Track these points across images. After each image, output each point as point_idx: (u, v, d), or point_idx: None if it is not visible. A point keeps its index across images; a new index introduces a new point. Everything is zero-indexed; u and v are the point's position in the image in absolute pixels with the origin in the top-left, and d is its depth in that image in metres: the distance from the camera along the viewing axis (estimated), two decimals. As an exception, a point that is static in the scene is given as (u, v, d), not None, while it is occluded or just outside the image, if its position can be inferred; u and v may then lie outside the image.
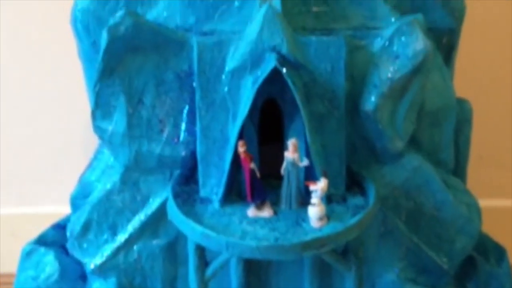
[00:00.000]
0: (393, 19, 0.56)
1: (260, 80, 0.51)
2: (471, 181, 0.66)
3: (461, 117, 0.60)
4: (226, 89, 0.53)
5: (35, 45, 0.78)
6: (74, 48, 0.62)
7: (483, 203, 0.63)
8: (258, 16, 0.52)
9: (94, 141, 0.62)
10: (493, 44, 0.77)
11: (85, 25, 0.59)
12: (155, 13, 0.57)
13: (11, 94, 0.79)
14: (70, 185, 0.64)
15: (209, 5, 0.56)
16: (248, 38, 0.52)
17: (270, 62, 0.51)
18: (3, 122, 0.80)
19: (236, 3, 0.56)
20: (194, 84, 0.54)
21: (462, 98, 0.61)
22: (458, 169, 0.62)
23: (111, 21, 0.53)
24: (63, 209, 0.66)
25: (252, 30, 0.52)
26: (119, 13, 0.53)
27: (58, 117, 0.79)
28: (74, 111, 0.77)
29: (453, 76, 0.62)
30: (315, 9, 0.57)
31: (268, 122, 0.55)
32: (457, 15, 0.61)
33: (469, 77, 0.67)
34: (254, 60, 0.52)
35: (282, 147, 0.54)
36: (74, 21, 0.60)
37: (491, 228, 0.66)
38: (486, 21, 0.75)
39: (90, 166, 0.62)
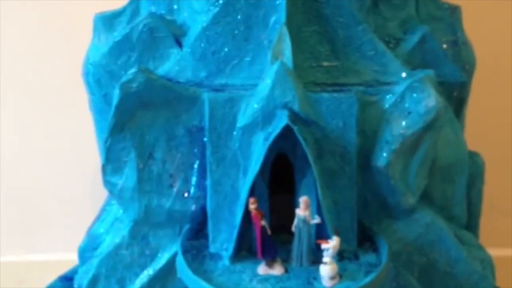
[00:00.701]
0: (404, 74, 0.55)
1: (271, 138, 0.50)
2: (481, 230, 0.65)
3: (473, 171, 0.59)
4: (237, 145, 0.52)
5: (49, 96, 0.77)
6: (85, 101, 0.61)
7: (493, 252, 0.62)
8: (270, 72, 0.52)
9: (102, 190, 0.60)
10: (501, 94, 0.78)
11: (96, 78, 0.59)
12: (167, 67, 0.56)
13: (22, 142, 0.79)
14: (78, 233, 0.63)
15: (220, 59, 0.56)
16: (260, 94, 0.52)
17: (282, 120, 0.50)
18: (13, 169, 0.79)
19: (247, 58, 0.56)
20: (205, 139, 0.54)
21: (473, 152, 0.61)
22: (471, 223, 0.61)
23: (124, 78, 0.53)
24: (71, 257, 0.65)
25: (263, 86, 0.52)
26: (132, 70, 0.53)
27: (67, 166, 0.79)
28: (83, 160, 0.76)
29: (464, 128, 0.62)
30: (325, 63, 0.57)
31: (279, 173, 0.54)
32: (468, 68, 0.61)
33: (477, 127, 0.68)
34: (265, 116, 0.52)
35: (293, 199, 0.53)
36: (86, 74, 0.60)
37: (501, 277, 0.67)
38: (494, 72, 0.75)
39: (98, 218, 0.61)
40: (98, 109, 0.59)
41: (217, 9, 0.56)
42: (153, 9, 0.59)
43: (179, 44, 0.58)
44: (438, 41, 0.59)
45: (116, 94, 0.53)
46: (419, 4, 0.61)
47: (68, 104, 0.75)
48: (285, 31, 0.53)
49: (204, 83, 0.55)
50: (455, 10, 0.61)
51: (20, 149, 0.78)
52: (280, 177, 0.55)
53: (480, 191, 0.60)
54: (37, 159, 0.78)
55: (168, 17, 0.58)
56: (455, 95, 0.59)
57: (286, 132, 0.51)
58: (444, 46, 0.60)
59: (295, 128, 0.50)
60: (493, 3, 0.76)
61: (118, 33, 0.58)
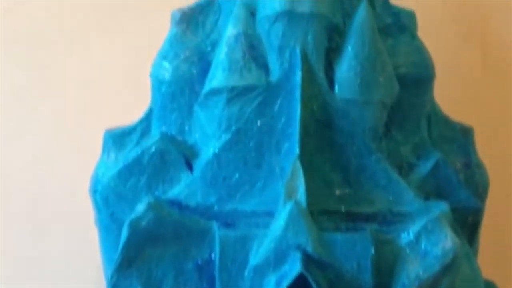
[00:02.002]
0: (417, 205, 0.54)
1: (284, 284, 0.47)
2: None
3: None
4: (248, 285, 0.49)
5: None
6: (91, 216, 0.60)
7: None
8: (283, 213, 0.50)
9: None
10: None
11: (104, 197, 0.56)
12: (177, 191, 0.54)
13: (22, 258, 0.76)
14: None
15: (231, 185, 0.54)
16: (273, 234, 0.49)
17: (295, 264, 0.48)
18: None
19: (259, 184, 0.54)
20: (215, 273, 0.52)
21: (488, 280, 0.59)
22: None
23: (133, 215, 0.50)
24: None
25: (276, 227, 0.49)
26: (141, 207, 0.51)
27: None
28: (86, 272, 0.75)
29: (477, 253, 0.61)
30: (338, 191, 0.55)
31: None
32: (481, 191, 0.59)
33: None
34: (278, 257, 0.49)
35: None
36: (94, 192, 0.57)
37: None
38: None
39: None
40: (104, 226, 0.57)
41: (229, 135, 0.54)
42: (164, 129, 0.56)
43: (190, 165, 0.58)
44: (451, 166, 0.58)
45: (124, 231, 0.50)
46: (431, 126, 0.59)
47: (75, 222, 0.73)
48: (298, 166, 0.52)
49: (214, 208, 0.53)
50: (467, 132, 0.59)
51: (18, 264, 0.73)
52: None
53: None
54: (39, 269, 0.73)
55: (179, 138, 0.56)
56: (469, 222, 0.57)
57: (299, 275, 0.49)
58: (458, 166, 0.60)
59: (309, 276, 0.48)
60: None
61: (128, 156, 0.56)
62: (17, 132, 0.74)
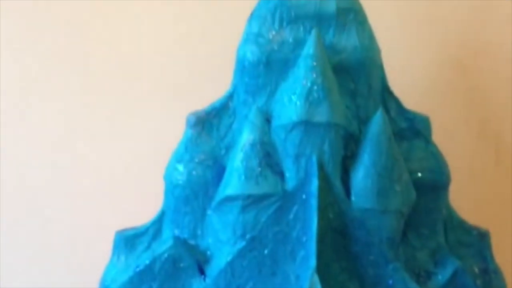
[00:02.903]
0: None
1: None
2: None
3: None
4: None
5: None
6: None
7: None
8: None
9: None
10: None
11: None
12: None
13: None
14: None
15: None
16: None
17: None
18: None
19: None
20: None
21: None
22: None
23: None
24: None
25: None
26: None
27: None
28: None
29: None
30: None
31: None
32: (501, 298, 0.59)
33: None
34: None
35: None
36: (104, 296, 0.59)
37: None
38: None
39: None
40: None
41: (243, 243, 0.53)
42: (176, 232, 0.55)
43: (202, 270, 0.56)
44: (469, 274, 0.56)
45: None
46: (448, 231, 0.57)
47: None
48: (316, 280, 0.50)
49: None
50: (484, 236, 0.58)
51: None
52: None
53: None
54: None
55: (192, 241, 0.55)
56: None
57: None
58: (475, 271, 0.59)
59: None
60: None
61: (139, 262, 0.54)
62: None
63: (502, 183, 0.70)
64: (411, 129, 0.56)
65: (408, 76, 0.70)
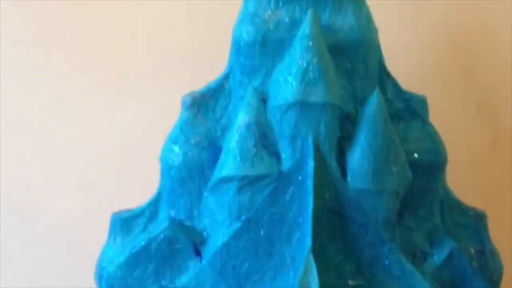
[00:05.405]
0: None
1: None
2: None
3: None
4: None
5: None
6: None
7: None
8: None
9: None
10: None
11: (110, 285, 0.53)
12: (185, 280, 0.52)
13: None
14: None
15: (241, 274, 0.51)
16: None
17: None
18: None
19: (269, 274, 0.51)
20: None
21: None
22: None
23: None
24: None
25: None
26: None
27: None
28: None
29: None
30: (351, 282, 0.52)
31: None
32: (496, 278, 0.56)
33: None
34: None
35: None
36: (99, 278, 0.55)
37: None
38: None
39: None
40: (110, 312, 0.57)
41: (239, 224, 0.52)
42: (172, 213, 0.54)
43: (198, 252, 0.55)
44: (465, 254, 0.55)
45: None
46: (444, 211, 0.56)
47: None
48: (311, 261, 0.49)
49: (223, 299, 0.54)
50: (480, 217, 0.57)
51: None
52: None
53: None
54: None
55: (188, 223, 0.54)
56: (485, 314, 0.56)
57: None
58: (472, 252, 0.58)
59: None
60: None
61: (136, 243, 0.53)
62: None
63: (499, 165, 0.69)
64: (408, 110, 0.55)
65: (405, 57, 0.69)
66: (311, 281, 0.48)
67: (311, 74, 0.50)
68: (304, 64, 0.50)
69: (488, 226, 0.56)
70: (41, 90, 0.71)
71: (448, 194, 0.56)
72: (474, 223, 0.57)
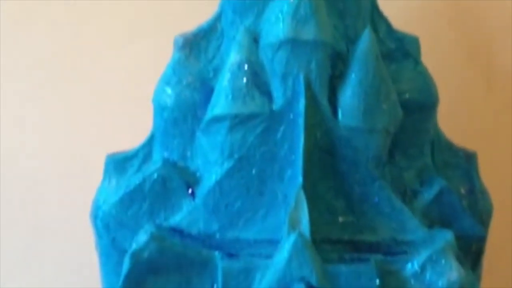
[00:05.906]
0: (422, 233, 0.52)
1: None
2: None
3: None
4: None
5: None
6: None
7: None
8: (287, 245, 0.48)
9: None
10: None
11: (105, 224, 0.54)
12: (178, 218, 0.52)
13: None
14: None
15: (233, 213, 0.52)
16: (276, 266, 0.48)
17: (298, 297, 0.48)
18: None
19: (261, 212, 0.52)
20: (218, 304, 0.51)
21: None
22: None
23: (135, 246, 0.49)
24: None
25: (280, 258, 0.48)
26: (143, 237, 0.49)
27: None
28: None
29: (480, 278, 0.59)
30: (341, 219, 0.53)
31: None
32: (485, 218, 0.57)
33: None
34: (281, 289, 0.50)
35: None
36: (94, 217, 0.56)
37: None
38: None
39: None
40: (104, 252, 0.55)
41: (231, 162, 0.52)
42: (166, 154, 0.54)
43: (192, 192, 0.56)
44: (455, 193, 0.56)
45: (126, 262, 0.49)
46: (435, 152, 0.57)
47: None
48: (302, 196, 0.50)
49: (216, 237, 0.52)
50: (471, 157, 0.57)
51: None
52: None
53: None
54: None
55: (181, 164, 0.54)
56: (473, 250, 0.55)
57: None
58: (462, 192, 0.58)
59: (313, 310, 0.48)
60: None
61: (130, 182, 0.54)
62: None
63: (492, 109, 0.69)
64: (400, 50, 0.55)
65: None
66: (302, 217, 0.49)
67: (302, 12, 0.50)
68: (296, 1, 0.50)
69: (479, 167, 0.58)
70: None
71: (439, 135, 0.57)
72: (464, 163, 0.57)
